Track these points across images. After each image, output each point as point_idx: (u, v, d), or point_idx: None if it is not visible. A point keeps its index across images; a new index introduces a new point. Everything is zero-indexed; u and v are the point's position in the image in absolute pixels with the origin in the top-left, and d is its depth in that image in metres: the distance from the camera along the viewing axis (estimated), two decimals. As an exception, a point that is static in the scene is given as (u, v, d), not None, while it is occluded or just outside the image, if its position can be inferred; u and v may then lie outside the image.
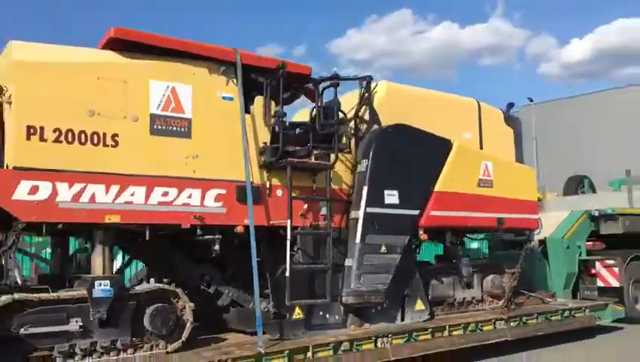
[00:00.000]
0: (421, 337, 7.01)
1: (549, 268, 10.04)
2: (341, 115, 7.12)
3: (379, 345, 6.62)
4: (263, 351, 5.71)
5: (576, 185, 14.60)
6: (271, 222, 6.34)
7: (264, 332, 6.03)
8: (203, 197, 5.97)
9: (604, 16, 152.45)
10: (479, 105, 8.67)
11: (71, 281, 5.79)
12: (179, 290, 5.87)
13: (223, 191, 6.08)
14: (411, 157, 7.32)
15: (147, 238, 5.73)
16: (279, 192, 6.46)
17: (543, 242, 10.05)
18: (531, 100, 40.07)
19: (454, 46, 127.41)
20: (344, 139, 7.10)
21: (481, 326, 7.68)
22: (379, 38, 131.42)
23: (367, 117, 7.33)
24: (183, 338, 5.78)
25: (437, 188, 7.49)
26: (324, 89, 7.04)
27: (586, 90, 52.62)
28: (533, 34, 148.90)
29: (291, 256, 6.29)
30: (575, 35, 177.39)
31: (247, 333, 6.43)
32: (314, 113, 7.11)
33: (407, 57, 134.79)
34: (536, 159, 36.67)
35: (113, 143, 5.53)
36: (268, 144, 6.44)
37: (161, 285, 5.81)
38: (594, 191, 14.76)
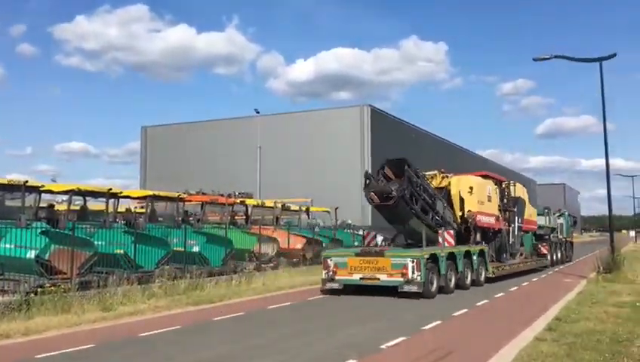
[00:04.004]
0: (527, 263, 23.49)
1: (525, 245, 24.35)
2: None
3: (521, 267, 22.19)
4: (511, 265, 21.24)
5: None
6: (498, 227, 20.34)
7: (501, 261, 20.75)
8: (491, 218, 19.68)
9: (326, 42, 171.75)
10: (524, 185, 25.73)
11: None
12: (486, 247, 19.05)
13: (494, 217, 19.61)
14: (522, 206, 23.02)
15: (483, 230, 19.49)
16: (498, 218, 18.90)
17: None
18: (258, 112, 46.48)
19: (190, 50, 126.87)
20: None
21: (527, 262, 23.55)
22: (111, 30, 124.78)
23: (512, 194, 22.31)
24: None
25: (525, 216, 23.48)
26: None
27: (307, 107, 60.20)
28: (264, 50, 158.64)
29: (500, 237, 20.81)
30: (300, 57, 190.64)
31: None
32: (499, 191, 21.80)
33: (140, 54, 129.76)
34: (259, 166, 45.92)
35: (483, 205, 19.35)
36: (497, 202, 21.04)
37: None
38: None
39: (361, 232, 29.97)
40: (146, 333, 10.03)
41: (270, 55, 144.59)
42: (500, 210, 20.57)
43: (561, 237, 29.92)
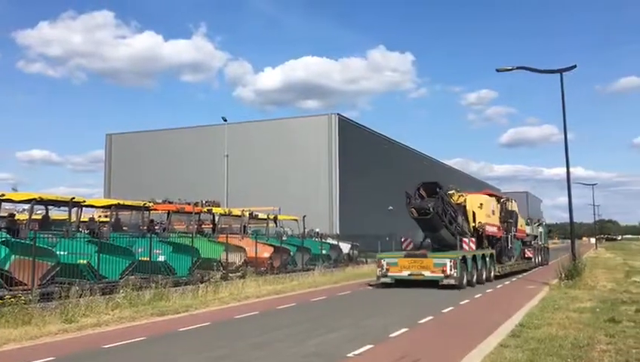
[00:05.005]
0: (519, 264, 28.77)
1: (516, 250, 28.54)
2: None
3: (516, 267, 27.50)
4: (509, 265, 26.41)
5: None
6: (500, 235, 25.29)
7: (501, 262, 25.43)
8: (495, 228, 24.64)
9: (294, 51, 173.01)
10: (514, 200, 29.17)
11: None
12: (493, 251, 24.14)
13: (496, 227, 25.09)
14: (516, 218, 28.07)
15: (489, 238, 24.48)
16: (499, 228, 25.41)
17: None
18: (225, 120, 45.51)
19: (156, 57, 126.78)
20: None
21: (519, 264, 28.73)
22: (75, 36, 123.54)
23: (508, 208, 27.27)
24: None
25: (518, 226, 28.36)
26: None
27: (276, 116, 60.85)
28: (232, 58, 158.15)
29: (500, 243, 25.32)
30: (269, 65, 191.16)
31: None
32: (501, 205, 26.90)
33: (105, 61, 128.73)
34: (226, 175, 45.38)
35: (490, 217, 24.24)
36: (498, 215, 26.08)
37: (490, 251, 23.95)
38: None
39: (329, 240, 30.10)
40: (109, 345, 9.84)
41: (238, 63, 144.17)
42: (500, 222, 25.45)
43: (540, 243, 35.76)
